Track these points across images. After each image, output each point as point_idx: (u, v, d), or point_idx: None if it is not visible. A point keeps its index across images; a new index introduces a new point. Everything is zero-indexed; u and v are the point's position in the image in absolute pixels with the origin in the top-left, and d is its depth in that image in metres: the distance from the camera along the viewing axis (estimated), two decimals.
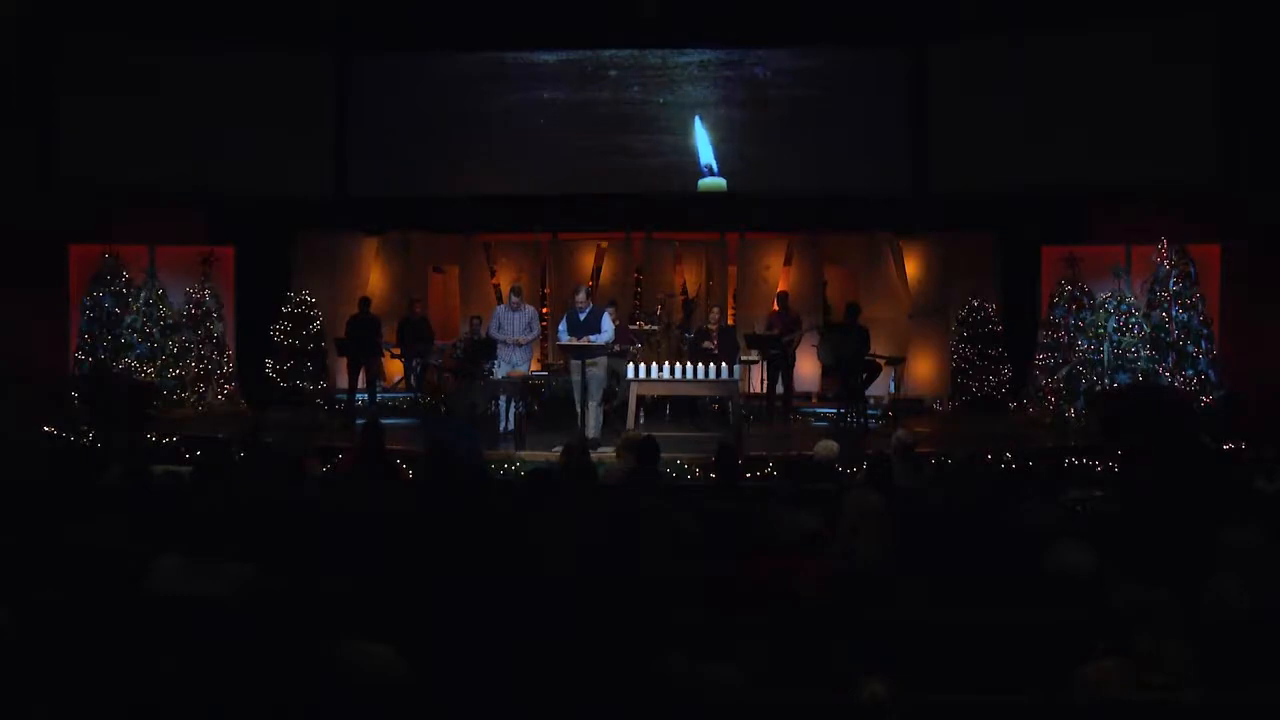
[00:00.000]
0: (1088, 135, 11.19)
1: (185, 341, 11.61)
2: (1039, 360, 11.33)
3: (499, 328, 10.39)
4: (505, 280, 13.70)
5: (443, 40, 12.46)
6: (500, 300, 12.35)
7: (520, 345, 10.37)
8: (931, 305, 13.15)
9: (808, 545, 4.41)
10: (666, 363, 9.59)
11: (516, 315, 10.42)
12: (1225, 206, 10.69)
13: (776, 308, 11.95)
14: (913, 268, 13.40)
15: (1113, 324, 10.41)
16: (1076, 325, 10.99)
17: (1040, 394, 11.21)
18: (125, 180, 11.58)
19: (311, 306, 12.37)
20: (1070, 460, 9.03)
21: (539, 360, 12.85)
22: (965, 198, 12.07)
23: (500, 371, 10.37)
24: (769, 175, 12.49)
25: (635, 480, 6.13)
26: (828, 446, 7.28)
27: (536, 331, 10.70)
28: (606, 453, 8.23)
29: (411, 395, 12.52)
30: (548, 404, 11.23)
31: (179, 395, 11.43)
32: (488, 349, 10.71)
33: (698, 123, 12.60)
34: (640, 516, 4.82)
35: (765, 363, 11.64)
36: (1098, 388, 10.33)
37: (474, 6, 12.06)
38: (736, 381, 9.66)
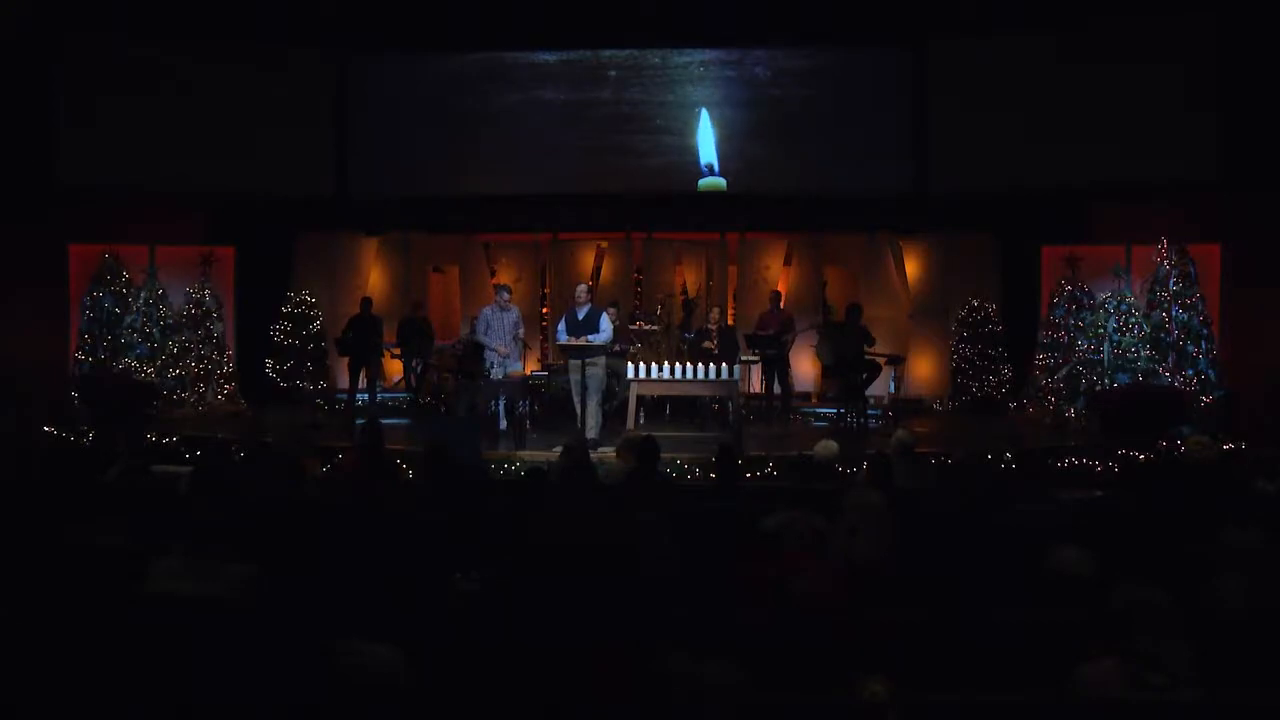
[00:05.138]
0: (1087, 135, 11.18)
1: (185, 341, 11.61)
2: (1039, 360, 11.33)
3: (486, 329, 10.32)
4: (505, 280, 13.69)
5: (443, 40, 12.45)
6: None
7: (505, 356, 10.28)
8: (932, 305, 13.15)
9: (810, 545, 4.41)
10: (666, 363, 9.58)
11: (505, 315, 10.39)
12: (1225, 206, 10.69)
13: (769, 307, 11.94)
14: (913, 268, 13.40)
15: (1113, 324, 10.42)
16: (1076, 325, 10.99)
17: (1040, 394, 11.21)
18: (125, 180, 11.57)
19: (311, 306, 12.38)
20: (1070, 460, 9.04)
21: (539, 360, 12.85)
22: (965, 198, 12.06)
23: (496, 373, 10.35)
24: (769, 175, 12.47)
25: (635, 480, 6.13)
26: (828, 446, 7.27)
27: (521, 331, 10.65)
28: (606, 453, 8.22)
29: (411, 395, 12.52)
30: (548, 404, 11.23)
31: (179, 395, 11.43)
32: (478, 352, 10.70)
33: (704, 116, 12.51)
34: None
35: (762, 363, 11.63)
36: (1098, 388, 10.33)
37: (474, 6, 12.05)
38: (736, 381, 9.66)
